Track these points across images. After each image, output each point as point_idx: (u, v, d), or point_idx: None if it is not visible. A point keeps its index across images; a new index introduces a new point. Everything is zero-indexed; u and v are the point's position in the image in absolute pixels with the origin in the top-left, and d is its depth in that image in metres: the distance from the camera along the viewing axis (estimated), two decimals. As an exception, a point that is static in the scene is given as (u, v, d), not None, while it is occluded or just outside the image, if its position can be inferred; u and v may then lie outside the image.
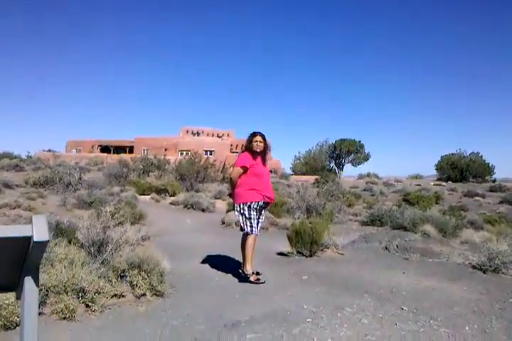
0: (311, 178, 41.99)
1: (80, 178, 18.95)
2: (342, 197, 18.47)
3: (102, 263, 4.08)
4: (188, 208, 15.98)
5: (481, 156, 50.95)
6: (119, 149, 57.37)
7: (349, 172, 61.73)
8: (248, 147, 4.88)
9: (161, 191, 20.67)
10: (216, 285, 4.54)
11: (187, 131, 62.33)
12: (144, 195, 19.71)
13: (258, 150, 4.84)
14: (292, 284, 4.54)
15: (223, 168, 37.78)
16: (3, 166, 29.93)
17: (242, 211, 4.72)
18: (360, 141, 58.66)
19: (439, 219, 12.33)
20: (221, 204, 17.63)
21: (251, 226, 4.71)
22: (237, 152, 57.49)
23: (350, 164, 59.58)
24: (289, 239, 5.94)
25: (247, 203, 4.69)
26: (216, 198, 20.80)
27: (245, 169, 4.73)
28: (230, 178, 4.87)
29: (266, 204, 4.85)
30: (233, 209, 4.90)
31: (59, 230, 7.18)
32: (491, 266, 5.23)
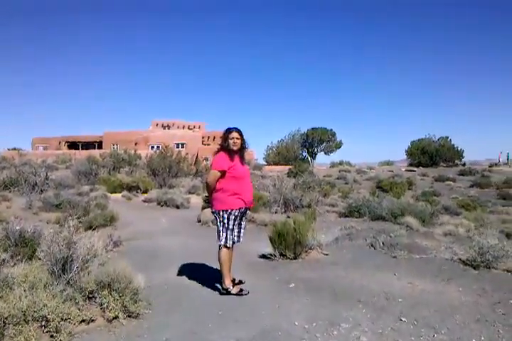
0: (285, 168, 41.85)
1: (47, 178, 18.13)
2: (318, 188, 18.26)
3: (68, 283, 3.64)
4: (162, 205, 15.49)
5: (450, 140, 51.79)
6: (88, 145, 55.79)
7: (321, 161, 61.99)
8: (224, 146, 4.39)
9: (132, 188, 20.07)
10: (196, 299, 4.17)
11: (157, 125, 61.11)
12: (115, 193, 19.08)
13: (235, 148, 4.36)
14: (279, 294, 4.20)
15: (196, 161, 37.21)
16: (-35, 167, 28.63)
17: (221, 219, 4.29)
18: (331, 129, 58.79)
19: (416, 208, 12.28)
20: (196, 200, 17.17)
21: (226, 238, 4.28)
22: (208, 144, 56.88)
23: (322, 152, 59.75)
24: (271, 240, 5.60)
25: (227, 210, 4.25)
26: (190, 193, 20.37)
27: (223, 172, 4.27)
28: (207, 183, 4.39)
29: (246, 210, 4.45)
30: (213, 215, 4.46)
31: (22, 240, 6.67)
32: (482, 262, 5.03)
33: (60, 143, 57.36)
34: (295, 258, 5.44)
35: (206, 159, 46.61)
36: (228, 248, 4.30)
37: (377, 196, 27.18)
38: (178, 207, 15.13)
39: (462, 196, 30.48)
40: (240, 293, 4.23)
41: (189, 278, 4.93)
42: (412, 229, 8.08)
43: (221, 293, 4.29)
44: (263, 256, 5.80)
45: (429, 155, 48.28)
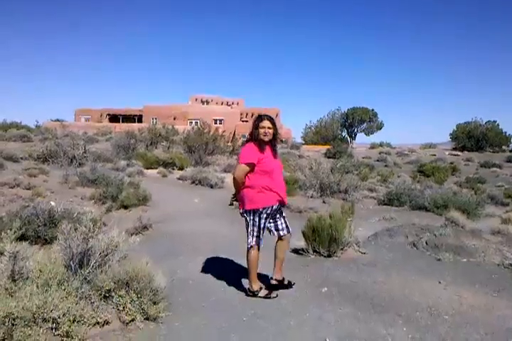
0: (323, 148, 41.10)
1: (85, 151, 18.31)
2: (356, 172, 17.65)
3: (85, 279, 3.42)
4: (196, 184, 15.33)
5: (498, 125, 49.38)
6: (128, 118, 56.50)
7: (361, 141, 60.62)
8: (253, 136, 3.89)
9: (168, 164, 20.05)
10: (220, 301, 3.88)
11: (196, 100, 61.00)
12: (152, 168, 19.10)
13: (266, 138, 3.87)
14: (310, 299, 3.86)
15: (233, 138, 36.94)
16: (11, 137, 29.41)
17: (252, 219, 3.87)
18: (373, 110, 57.12)
19: (461, 199, 11.58)
20: (230, 179, 16.87)
21: (256, 236, 3.89)
22: (247, 121, 56.46)
23: (362, 133, 58.33)
24: (305, 235, 5.23)
25: (258, 209, 3.82)
26: (226, 171, 20.16)
27: (252, 166, 3.81)
28: (234, 178, 3.92)
29: (280, 208, 4.02)
30: (240, 214, 4.03)
31: (50, 220, 6.58)
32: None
33: (101, 115, 58.32)
34: (329, 256, 5.06)
35: (244, 136, 46.42)
36: (258, 249, 3.94)
37: (419, 181, 26.42)
38: (212, 187, 14.92)
39: (509, 184, 29.10)
40: (267, 296, 3.91)
41: (216, 274, 4.65)
42: (457, 225, 7.53)
43: (247, 295, 3.98)
44: (295, 251, 5.45)
45: (475, 139, 46.28)
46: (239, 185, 3.91)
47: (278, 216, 4.03)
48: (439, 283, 4.31)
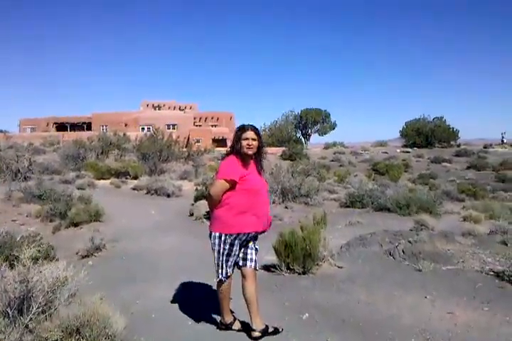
0: (278, 150, 41.07)
1: (30, 164, 17.18)
2: (316, 174, 17.51)
3: (26, 328, 2.85)
4: (152, 194, 14.68)
5: (445, 121, 51.11)
6: (77, 126, 54.38)
7: (315, 142, 61.22)
8: (235, 148, 3.36)
9: (121, 174, 19.19)
10: (188, 337, 3.39)
11: (147, 105, 59.54)
12: (104, 179, 18.21)
13: (251, 152, 3.33)
14: (291, 329, 3.43)
15: (187, 143, 36.24)
16: None
17: (221, 245, 3.30)
18: (325, 110, 57.88)
19: (422, 198, 11.57)
20: (188, 186, 16.34)
21: (223, 268, 3.33)
22: (200, 125, 55.71)
23: (316, 134, 58.92)
24: (277, 251, 4.83)
25: (231, 235, 3.27)
26: (182, 178, 19.52)
27: (233, 183, 3.27)
28: (209, 195, 3.35)
29: (257, 234, 3.47)
30: (209, 236, 3.40)
31: (-11, 248, 5.84)
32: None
33: (48, 124, 55.84)
34: (304, 273, 4.68)
35: (198, 141, 45.65)
36: (228, 278, 3.38)
37: (374, 179, 26.72)
38: (168, 196, 14.34)
39: (459, 179, 30.02)
40: (241, 329, 3.44)
41: (182, 302, 4.14)
42: (427, 228, 7.37)
43: (220, 328, 3.50)
44: (266, 268, 5.03)
45: (424, 135, 47.66)
46: (214, 204, 3.35)
47: (251, 244, 3.47)
48: (425, 298, 4.01)
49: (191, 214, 10.16)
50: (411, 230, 7.11)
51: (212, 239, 3.36)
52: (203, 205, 10.99)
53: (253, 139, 3.34)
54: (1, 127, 54.51)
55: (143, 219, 9.89)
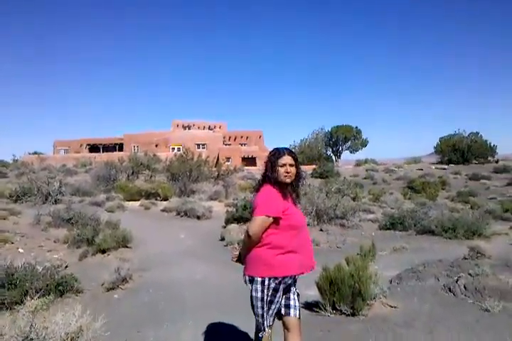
0: (309, 168, 40.43)
1: (61, 187, 17.13)
2: (351, 193, 16.77)
3: None
4: (182, 216, 14.30)
5: (481, 136, 49.41)
6: (109, 147, 55.27)
7: (345, 158, 60.21)
8: (272, 176, 2.83)
9: (151, 195, 18.96)
10: None
11: (177, 125, 60.15)
12: (134, 200, 18.00)
13: (289, 180, 2.83)
14: None
15: (217, 163, 36.04)
16: (-16, 173, 28.14)
17: (264, 289, 2.74)
18: (356, 127, 56.96)
19: (468, 220, 10.73)
20: (218, 207, 15.90)
21: (270, 317, 2.78)
22: (229, 144, 55.69)
23: (347, 151, 57.96)
24: (321, 289, 4.24)
25: (278, 278, 2.73)
26: (212, 199, 19.13)
27: (274, 219, 2.71)
28: (249, 236, 2.73)
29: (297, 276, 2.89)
30: (244, 279, 2.84)
31: (9, 280, 5.47)
32: None
33: (81, 145, 57.01)
34: (353, 314, 4.07)
35: (228, 160, 45.53)
36: (270, 329, 2.79)
37: (410, 198, 25.70)
38: (199, 218, 13.91)
39: (500, 196, 28.54)
40: None
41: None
42: (482, 255, 6.63)
43: None
44: (307, 306, 4.45)
45: (460, 151, 46.07)
46: (253, 245, 2.78)
47: (293, 288, 2.93)
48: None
49: (222, 239, 9.66)
50: (465, 258, 6.38)
51: (252, 284, 2.78)
52: (234, 229, 10.52)
53: (291, 165, 2.82)
54: (37, 149, 55.93)
55: (172, 244, 9.45)
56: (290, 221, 2.74)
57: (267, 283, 2.73)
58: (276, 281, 2.73)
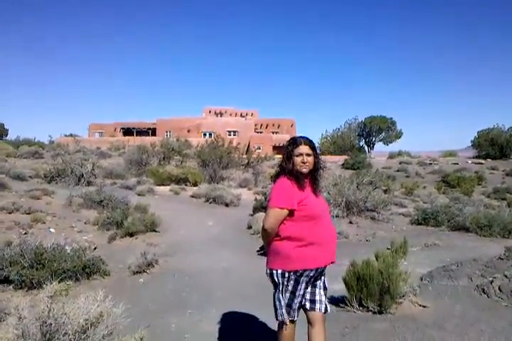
0: (340, 158, 39.89)
1: (93, 169, 17.43)
2: (383, 186, 16.41)
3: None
4: (210, 202, 14.31)
5: (521, 131, 47.51)
6: (142, 132, 55.99)
7: (378, 150, 59.18)
8: (287, 167, 2.75)
9: (181, 180, 19.07)
10: None
11: (209, 112, 60.31)
12: (164, 185, 18.15)
13: (305, 170, 2.74)
14: None
15: (247, 150, 35.96)
16: (22, 154, 28.89)
17: (283, 282, 2.68)
18: (391, 118, 55.71)
19: (506, 218, 10.29)
20: (247, 195, 15.87)
21: (289, 307, 2.70)
22: (261, 132, 55.48)
23: (381, 142, 56.86)
24: (348, 285, 4.11)
25: (296, 271, 2.64)
26: (241, 186, 19.13)
27: (290, 211, 2.65)
28: (265, 229, 2.70)
29: (323, 268, 2.82)
30: (265, 271, 2.80)
31: (38, 260, 5.55)
32: None
33: (115, 129, 57.92)
34: (380, 312, 3.93)
35: (259, 148, 45.39)
36: (293, 323, 2.75)
37: (444, 192, 25.02)
38: (227, 205, 13.91)
39: (540, 194, 27.48)
40: None
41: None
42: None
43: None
44: (333, 301, 4.33)
45: (498, 146, 44.47)
46: (270, 238, 2.73)
47: (318, 281, 2.84)
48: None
49: (249, 227, 9.60)
50: (501, 258, 6.10)
51: (273, 277, 2.72)
52: (262, 218, 10.43)
53: (308, 154, 2.74)
54: (72, 131, 57.23)
55: (199, 231, 9.47)
56: (306, 211, 2.66)
57: (287, 275, 2.67)
58: (298, 274, 2.65)
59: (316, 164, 2.81)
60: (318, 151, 2.88)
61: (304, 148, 2.74)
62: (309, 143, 2.79)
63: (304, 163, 2.72)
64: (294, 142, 2.79)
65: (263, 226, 2.71)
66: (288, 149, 2.78)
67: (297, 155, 2.73)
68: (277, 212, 2.65)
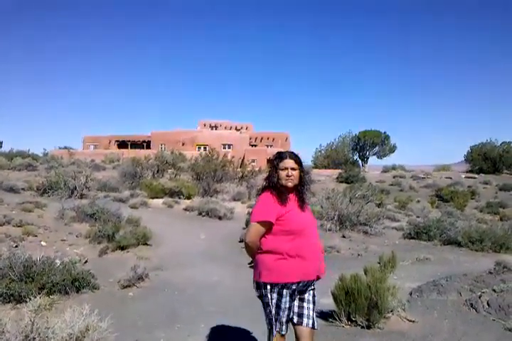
0: (334, 172, 40.05)
1: (87, 182, 17.38)
2: (376, 200, 16.46)
3: None
4: (203, 216, 14.29)
5: (514, 146, 47.93)
6: (137, 145, 56.03)
7: (372, 164, 59.37)
8: (272, 180, 2.80)
9: (175, 193, 19.05)
10: None
11: (204, 125, 60.51)
12: (157, 197, 18.10)
13: (290, 184, 2.77)
14: None
15: (242, 163, 36.02)
16: (16, 166, 28.78)
17: (267, 294, 2.71)
18: (385, 132, 56.05)
19: (498, 233, 10.34)
20: (240, 208, 15.86)
21: (276, 321, 2.71)
22: (256, 145, 55.67)
23: (375, 156, 57.12)
24: (336, 299, 4.12)
25: (279, 283, 2.67)
26: (235, 200, 19.10)
27: (269, 225, 2.70)
28: (246, 243, 2.79)
29: (312, 283, 2.84)
30: (254, 287, 2.83)
31: (27, 274, 5.52)
32: None
33: (109, 142, 57.95)
34: (369, 327, 3.93)
35: (253, 161, 45.49)
36: (282, 337, 2.74)
37: (437, 206, 25.11)
38: (220, 218, 13.89)
39: (533, 209, 27.61)
40: None
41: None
42: (509, 270, 6.35)
43: None
44: (322, 315, 4.32)
45: (491, 161, 44.83)
46: (253, 251, 2.79)
47: (306, 294, 2.85)
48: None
49: (241, 241, 9.59)
50: (491, 273, 6.13)
51: (258, 289, 2.77)
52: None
53: (292, 169, 2.79)
54: (66, 144, 57.12)
55: (192, 244, 9.45)
56: (284, 226, 2.69)
57: (268, 287, 2.71)
58: (279, 286, 2.68)
59: (302, 178, 2.84)
60: (304, 166, 2.92)
61: (289, 162, 2.78)
62: (295, 157, 2.84)
63: (288, 176, 2.77)
64: (280, 156, 2.86)
65: (244, 240, 2.80)
66: (273, 163, 2.84)
67: (282, 169, 2.78)
68: (256, 226, 2.72)
